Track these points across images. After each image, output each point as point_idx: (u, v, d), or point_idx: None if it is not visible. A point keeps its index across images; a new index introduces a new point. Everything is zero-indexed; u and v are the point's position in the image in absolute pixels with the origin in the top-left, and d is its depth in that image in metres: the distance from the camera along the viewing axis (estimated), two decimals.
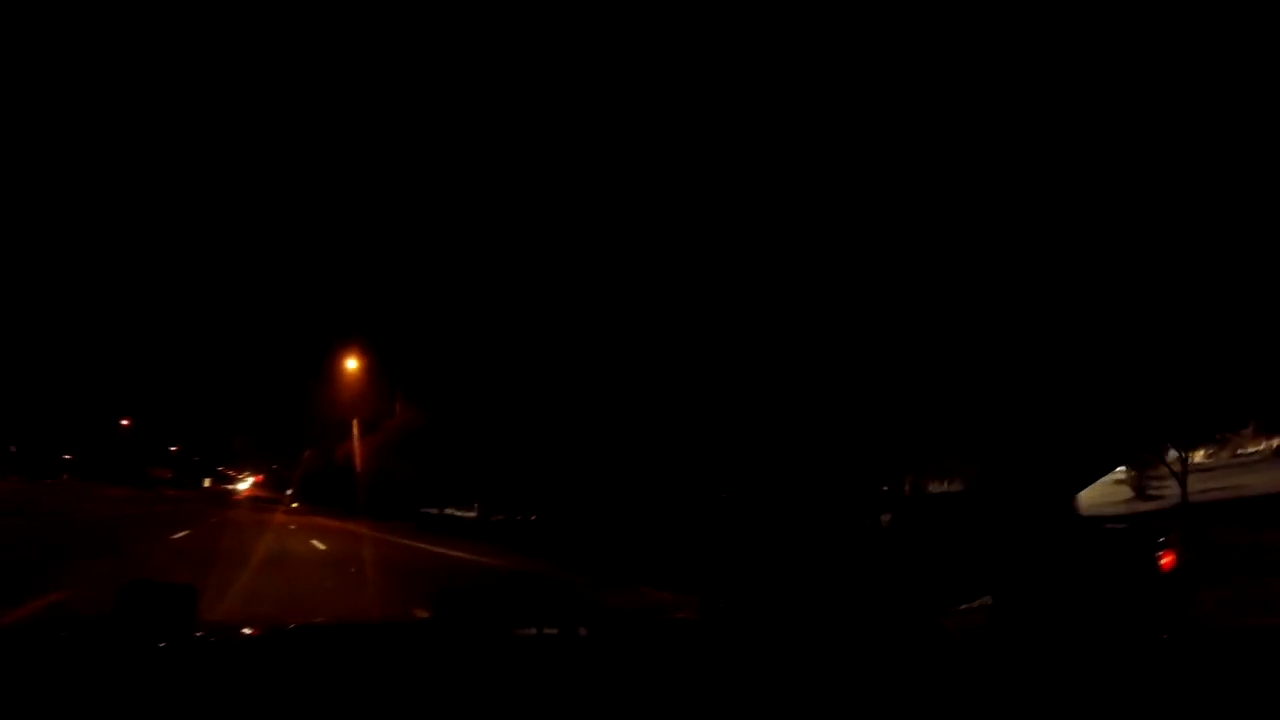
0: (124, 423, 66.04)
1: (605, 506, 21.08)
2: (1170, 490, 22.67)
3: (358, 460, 33.57)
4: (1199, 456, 25.84)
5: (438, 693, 1.26)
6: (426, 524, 31.85)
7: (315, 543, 16.68)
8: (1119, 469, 22.72)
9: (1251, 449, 32.24)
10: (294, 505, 50.10)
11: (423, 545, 19.51)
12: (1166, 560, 5.45)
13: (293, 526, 23.42)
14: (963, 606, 1.91)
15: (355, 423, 33.80)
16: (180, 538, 14.82)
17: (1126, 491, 26.48)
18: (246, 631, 2.00)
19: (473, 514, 36.78)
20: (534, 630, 1.77)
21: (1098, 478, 2.03)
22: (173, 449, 76.53)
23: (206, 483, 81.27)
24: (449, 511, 39.40)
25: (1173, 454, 20.20)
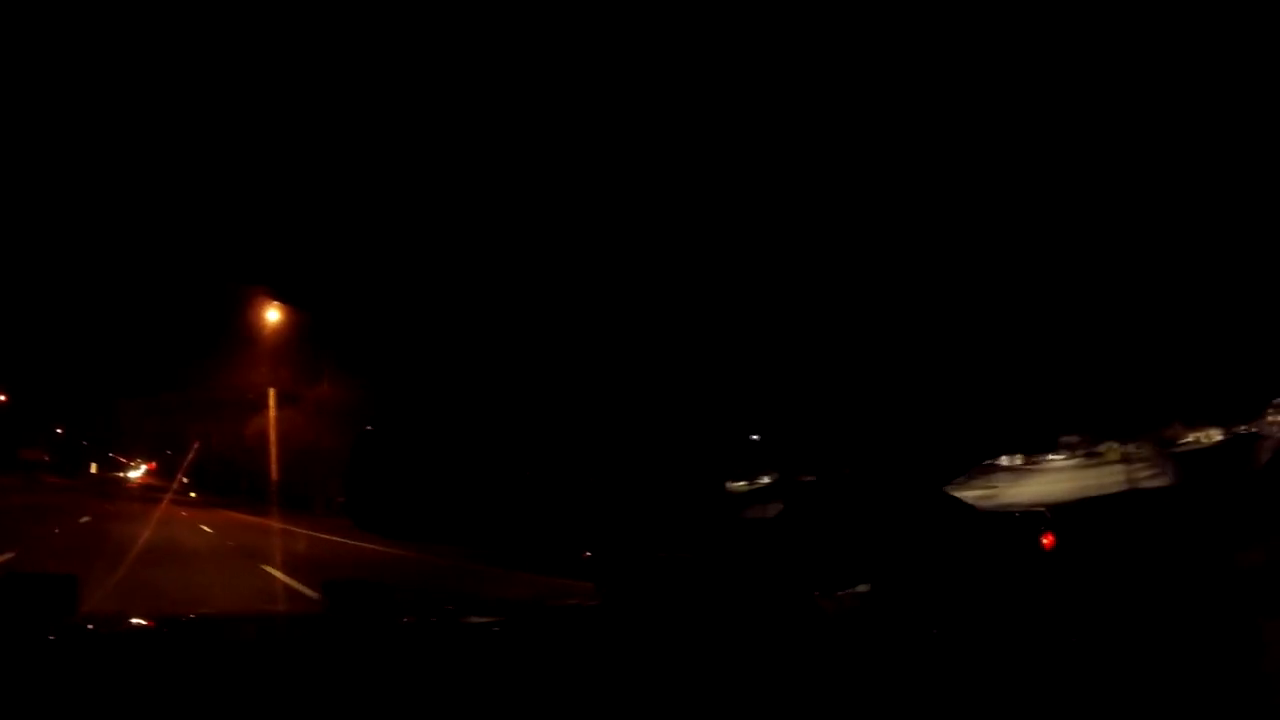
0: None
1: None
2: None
3: (272, 439, 29.19)
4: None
5: (319, 682, 1.28)
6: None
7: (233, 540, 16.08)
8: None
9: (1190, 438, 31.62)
10: (191, 495, 46.83)
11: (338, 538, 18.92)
12: (1047, 540, 5.73)
13: (196, 521, 22.18)
14: (841, 592, 2.01)
15: (272, 393, 29.33)
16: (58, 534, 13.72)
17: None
18: (133, 621, 1.96)
19: None
20: (422, 619, 1.79)
21: (964, 471, 2.17)
22: (58, 430, 67.30)
23: (93, 469, 73.08)
24: None
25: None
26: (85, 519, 20.39)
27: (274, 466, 29.35)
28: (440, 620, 1.83)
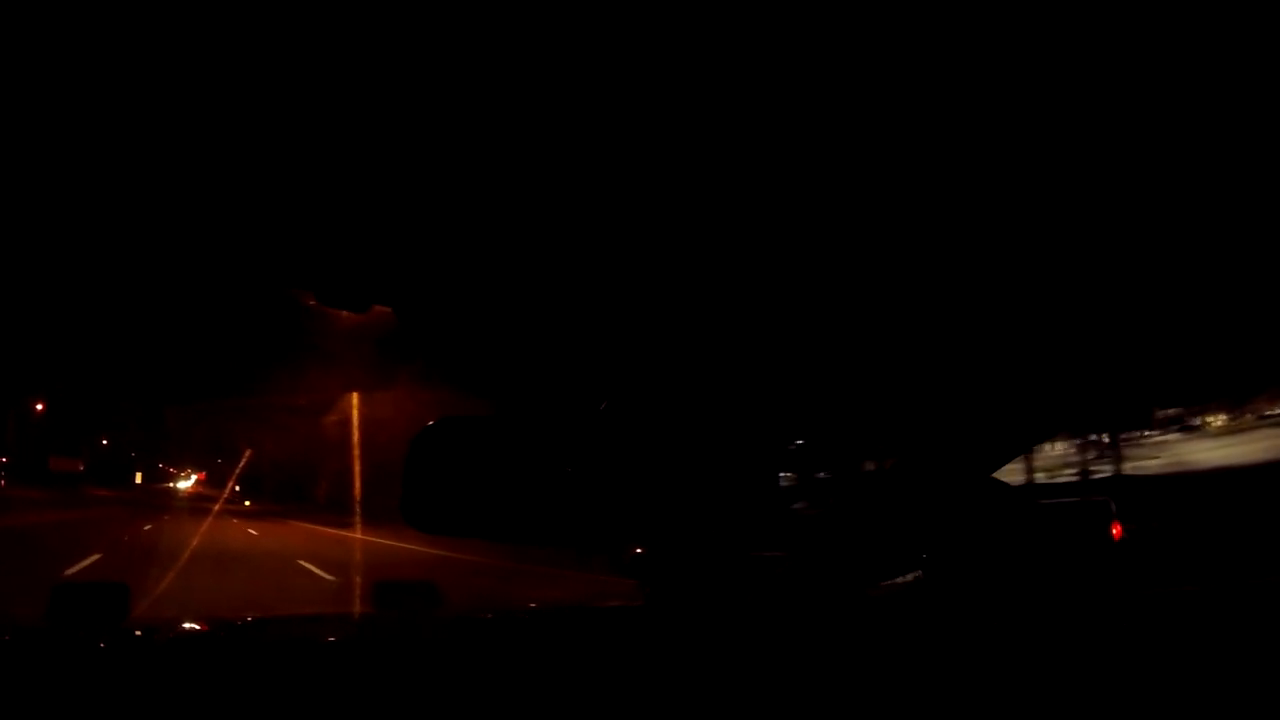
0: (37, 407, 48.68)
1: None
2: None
3: (355, 443, 26.36)
4: (1219, 420, 23.70)
5: (366, 682, 1.28)
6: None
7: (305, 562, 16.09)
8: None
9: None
10: (246, 504, 46.00)
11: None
12: (1116, 531, 5.61)
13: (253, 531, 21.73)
14: (890, 582, 1.97)
15: (355, 397, 27.01)
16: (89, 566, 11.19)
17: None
18: (185, 626, 1.99)
19: None
20: (473, 618, 1.80)
21: (1018, 455, 2.11)
22: (103, 441, 65.82)
23: (138, 478, 70.78)
24: None
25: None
26: (147, 527, 20.18)
27: (356, 475, 26.62)
28: (477, 625, 1.83)
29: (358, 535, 20.82)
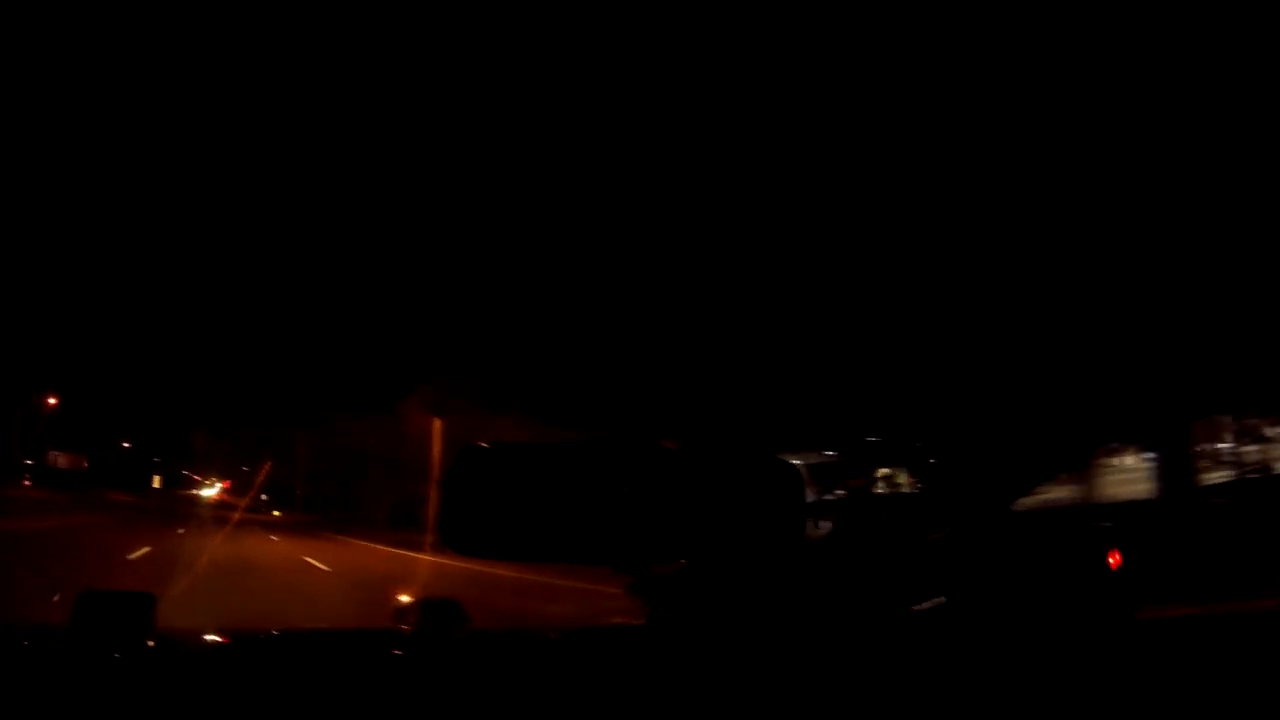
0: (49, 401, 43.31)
1: None
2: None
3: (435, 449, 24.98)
4: None
5: (392, 695, 1.28)
6: None
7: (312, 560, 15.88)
8: None
9: None
10: (275, 514, 43.93)
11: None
12: (1114, 559, 5.48)
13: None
14: (916, 608, 1.96)
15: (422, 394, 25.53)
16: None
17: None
18: (207, 639, 2.00)
19: None
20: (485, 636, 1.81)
21: (1050, 478, 2.08)
22: (124, 444, 62.70)
23: (156, 483, 68.07)
24: None
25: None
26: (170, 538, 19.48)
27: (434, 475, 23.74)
28: (488, 642, 1.84)
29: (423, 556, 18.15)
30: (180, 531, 22.64)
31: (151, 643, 1.60)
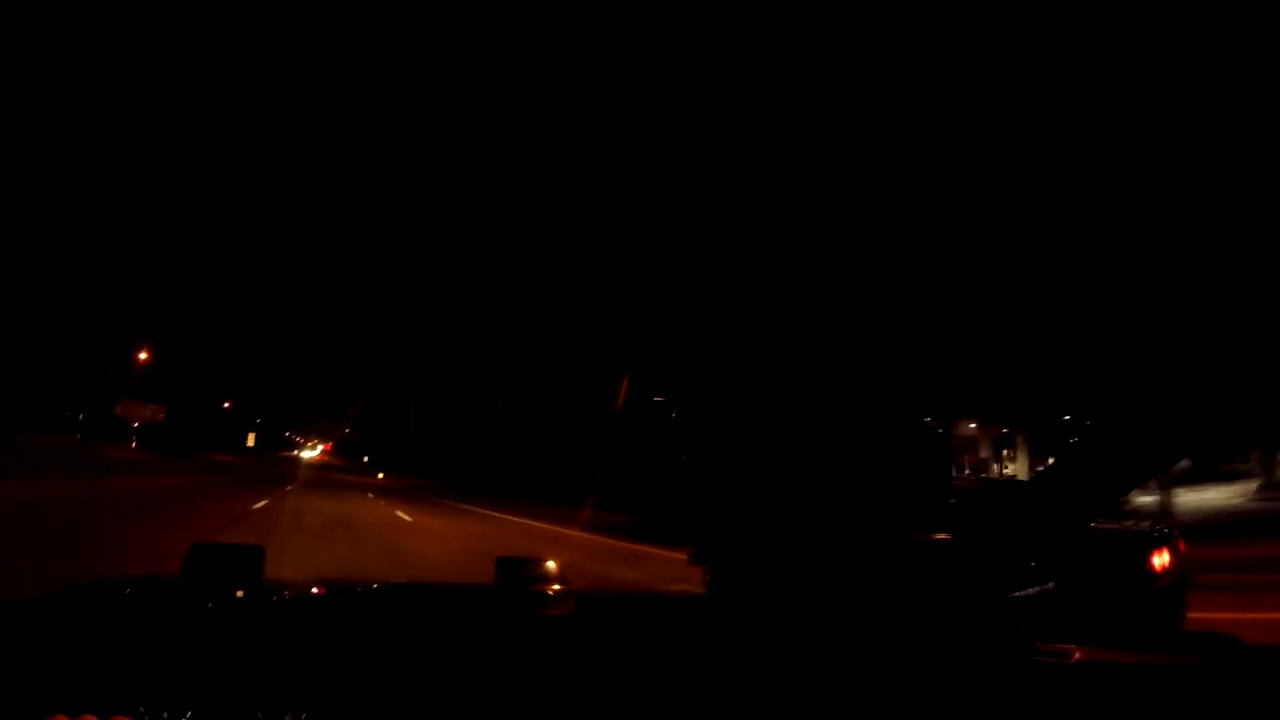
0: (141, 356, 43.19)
1: None
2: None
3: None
4: None
5: (475, 651, 1.30)
6: None
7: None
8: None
9: None
10: (379, 476, 44.99)
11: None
12: (1160, 563, 5.13)
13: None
14: (1020, 594, 1.87)
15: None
16: None
17: None
18: (314, 590, 2.07)
19: None
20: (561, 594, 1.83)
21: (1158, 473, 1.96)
22: (225, 405, 64.52)
23: (250, 440, 67.94)
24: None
25: None
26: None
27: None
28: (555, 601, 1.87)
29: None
30: (288, 489, 24.31)
31: (257, 593, 1.67)
